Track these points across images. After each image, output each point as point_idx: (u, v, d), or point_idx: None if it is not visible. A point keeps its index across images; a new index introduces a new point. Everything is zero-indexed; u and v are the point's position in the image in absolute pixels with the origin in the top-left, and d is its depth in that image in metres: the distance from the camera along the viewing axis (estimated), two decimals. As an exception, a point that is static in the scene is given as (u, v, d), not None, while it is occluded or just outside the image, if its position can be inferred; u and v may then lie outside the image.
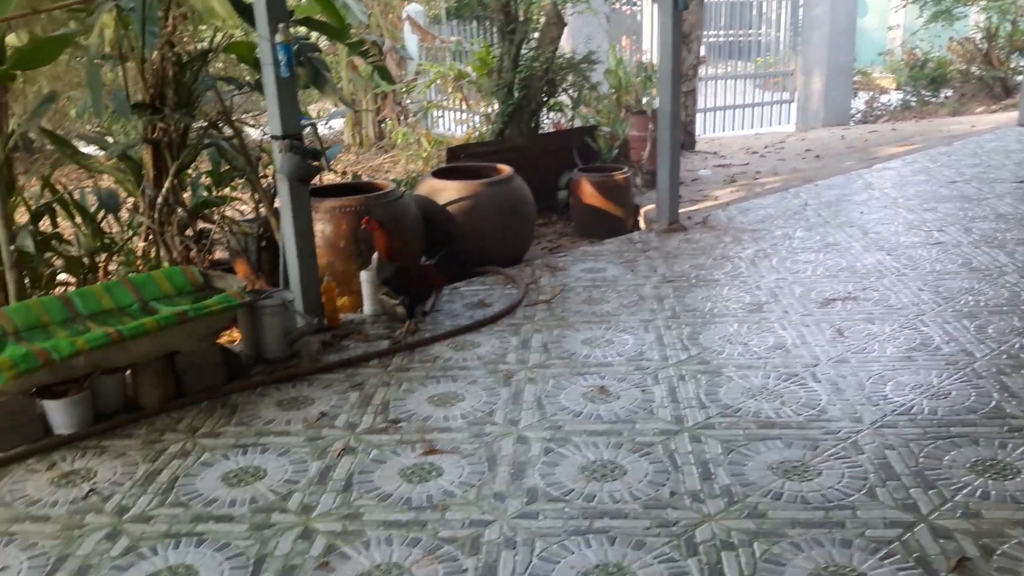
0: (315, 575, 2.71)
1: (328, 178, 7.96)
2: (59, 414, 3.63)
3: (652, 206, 6.78)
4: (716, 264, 5.59)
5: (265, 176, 5.65)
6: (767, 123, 12.95)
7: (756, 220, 6.60)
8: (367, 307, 4.98)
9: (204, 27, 6.18)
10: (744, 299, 4.94)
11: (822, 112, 12.39)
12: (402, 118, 11.78)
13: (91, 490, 3.24)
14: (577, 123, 8.59)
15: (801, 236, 6.12)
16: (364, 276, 4.94)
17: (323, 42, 9.09)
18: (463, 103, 10.60)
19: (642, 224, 6.91)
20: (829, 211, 6.75)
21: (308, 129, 4.73)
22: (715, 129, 12.40)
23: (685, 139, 9.50)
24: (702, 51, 10.88)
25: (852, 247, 5.81)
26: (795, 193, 7.41)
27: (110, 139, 5.92)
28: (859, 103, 13.87)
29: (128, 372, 3.88)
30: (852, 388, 3.81)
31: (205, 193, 5.72)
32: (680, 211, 6.57)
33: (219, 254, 5.82)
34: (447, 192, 5.84)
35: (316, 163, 4.54)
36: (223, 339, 4.29)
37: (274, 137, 4.46)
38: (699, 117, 11.23)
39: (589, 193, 6.82)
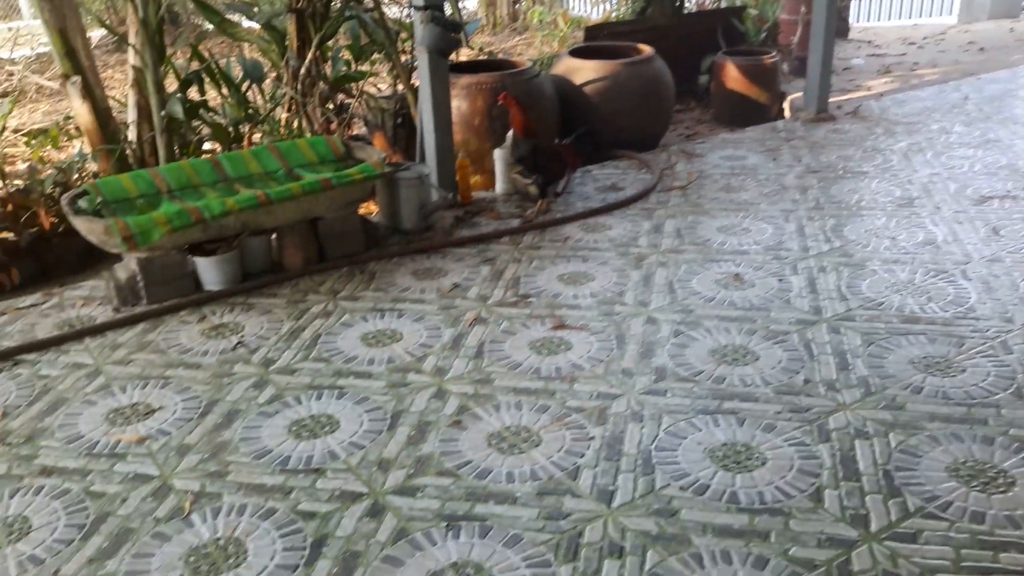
0: (448, 432, 2.81)
1: (464, 55, 7.92)
2: (209, 271, 3.82)
3: (799, 94, 6.47)
4: (865, 156, 5.32)
5: (403, 52, 5.65)
6: (927, 14, 12.04)
7: (911, 112, 6.21)
8: (499, 185, 4.99)
9: None
10: (894, 193, 4.70)
11: (988, 3, 11.39)
12: (538, -2, 11.50)
13: (239, 342, 3.42)
14: (724, 3, 8.19)
15: (959, 131, 5.74)
16: (498, 154, 4.93)
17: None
18: (602, -17, 10.26)
19: (787, 113, 6.61)
20: (991, 106, 6.29)
21: (448, 2, 4.66)
22: (870, 18, 11.63)
23: (839, 25, 8.94)
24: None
25: (1014, 144, 5.41)
26: (955, 86, 6.93)
27: (256, 9, 6.00)
28: (1033, -7, 12.71)
29: (273, 236, 4.04)
30: (1005, 288, 3.61)
31: (345, 68, 5.78)
32: (830, 100, 6.24)
33: (356, 129, 5.90)
34: (584, 72, 5.71)
35: (456, 36, 4.49)
36: (361, 210, 4.39)
37: (416, 7, 4.43)
38: (854, 4, 10.56)
39: (733, 77, 6.54)
